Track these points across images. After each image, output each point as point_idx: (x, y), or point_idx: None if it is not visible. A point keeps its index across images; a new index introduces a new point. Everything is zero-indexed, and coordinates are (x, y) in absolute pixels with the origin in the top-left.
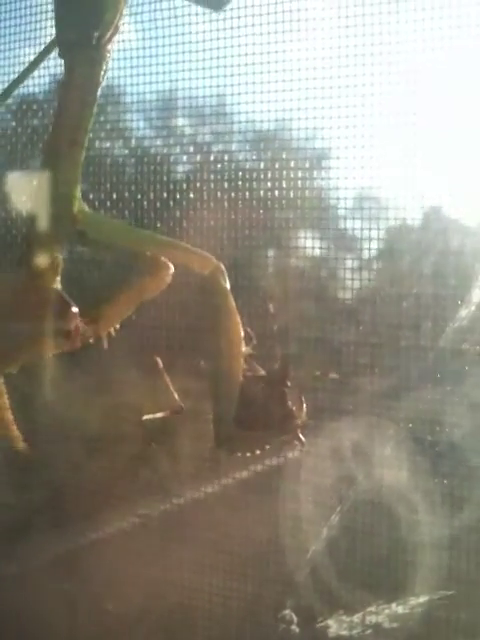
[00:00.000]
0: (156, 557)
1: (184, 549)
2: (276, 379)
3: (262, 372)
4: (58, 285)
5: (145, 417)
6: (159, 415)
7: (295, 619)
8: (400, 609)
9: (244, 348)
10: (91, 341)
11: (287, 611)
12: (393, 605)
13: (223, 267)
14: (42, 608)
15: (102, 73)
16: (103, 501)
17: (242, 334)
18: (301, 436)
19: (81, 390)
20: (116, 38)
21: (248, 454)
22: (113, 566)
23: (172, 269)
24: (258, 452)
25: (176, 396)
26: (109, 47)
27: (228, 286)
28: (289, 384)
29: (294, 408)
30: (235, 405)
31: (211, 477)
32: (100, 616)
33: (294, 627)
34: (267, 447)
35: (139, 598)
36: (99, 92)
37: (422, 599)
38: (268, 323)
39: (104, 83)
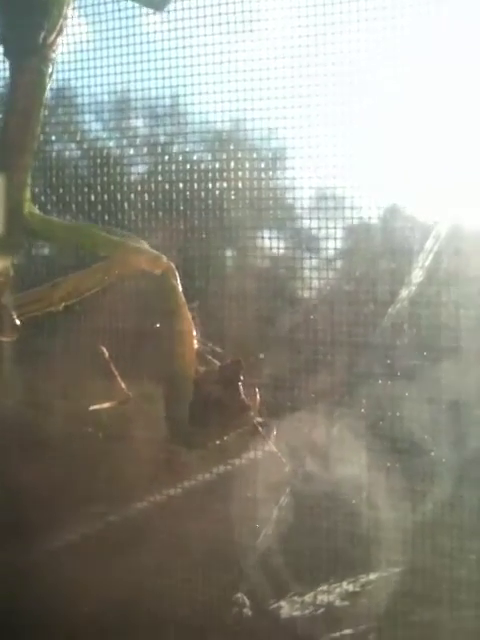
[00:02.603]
0: (111, 545)
1: (137, 539)
2: (229, 373)
3: (215, 367)
4: (7, 293)
5: (92, 408)
6: (106, 405)
7: (248, 602)
8: (351, 587)
9: (196, 345)
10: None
11: (239, 594)
12: (344, 584)
13: (174, 267)
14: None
15: (48, 77)
16: (58, 501)
17: (194, 332)
18: (258, 428)
19: (28, 388)
20: (61, 41)
21: (204, 448)
22: (72, 555)
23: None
24: (217, 443)
25: (123, 385)
26: (54, 50)
27: (179, 286)
28: (242, 378)
29: (248, 401)
30: (188, 401)
31: (163, 469)
32: (62, 606)
33: (247, 610)
34: (224, 438)
35: (93, 586)
36: (46, 96)
37: (372, 577)
38: (224, 323)
39: (53, 85)
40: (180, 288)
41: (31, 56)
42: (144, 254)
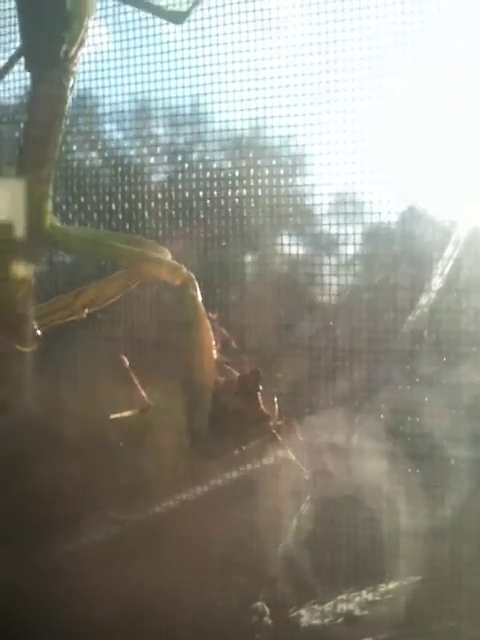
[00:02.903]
0: (129, 555)
1: (157, 546)
2: (248, 383)
3: (235, 377)
4: (28, 303)
5: (113, 416)
6: (127, 414)
7: (267, 610)
8: (371, 596)
9: (216, 355)
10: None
11: (259, 603)
12: (363, 593)
13: (194, 277)
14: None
15: (70, 88)
16: (79, 506)
17: (213, 343)
18: (277, 437)
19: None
20: (82, 53)
21: (223, 458)
22: (88, 559)
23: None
24: (235, 453)
25: (143, 394)
26: (76, 61)
27: (199, 296)
28: (261, 388)
29: (267, 410)
30: (208, 411)
31: (182, 476)
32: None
33: (266, 619)
34: (243, 448)
35: (110, 591)
36: (68, 107)
37: (391, 586)
38: (243, 330)
39: (74, 95)
40: (200, 298)
41: (52, 68)
42: (164, 265)
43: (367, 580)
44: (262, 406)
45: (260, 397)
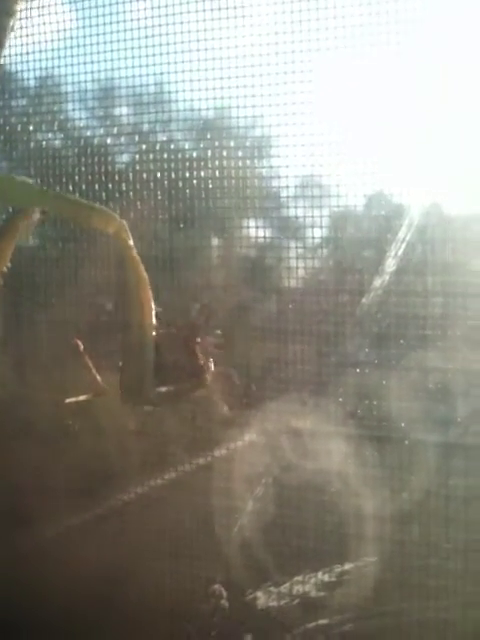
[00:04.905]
0: (86, 539)
1: (114, 529)
2: (186, 334)
3: (173, 328)
4: None
5: (68, 400)
6: (82, 398)
7: (224, 593)
8: (326, 577)
9: (154, 305)
10: None
11: (216, 586)
12: (319, 574)
13: (126, 225)
14: None
15: (9, 29)
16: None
17: (149, 291)
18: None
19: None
20: None
21: (160, 407)
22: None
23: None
24: (170, 405)
25: (99, 378)
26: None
27: (131, 242)
28: (199, 340)
29: (204, 362)
30: (147, 360)
31: (140, 460)
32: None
33: (224, 601)
34: (178, 400)
35: (67, 578)
36: (4, 51)
37: (347, 567)
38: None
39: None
40: (132, 244)
41: None
42: (95, 212)
43: (323, 562)
44: (199, 359)
45: (197, 350)
